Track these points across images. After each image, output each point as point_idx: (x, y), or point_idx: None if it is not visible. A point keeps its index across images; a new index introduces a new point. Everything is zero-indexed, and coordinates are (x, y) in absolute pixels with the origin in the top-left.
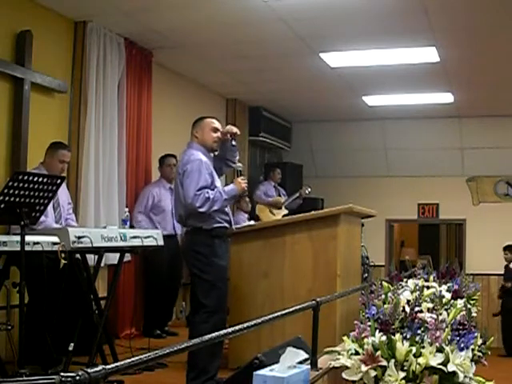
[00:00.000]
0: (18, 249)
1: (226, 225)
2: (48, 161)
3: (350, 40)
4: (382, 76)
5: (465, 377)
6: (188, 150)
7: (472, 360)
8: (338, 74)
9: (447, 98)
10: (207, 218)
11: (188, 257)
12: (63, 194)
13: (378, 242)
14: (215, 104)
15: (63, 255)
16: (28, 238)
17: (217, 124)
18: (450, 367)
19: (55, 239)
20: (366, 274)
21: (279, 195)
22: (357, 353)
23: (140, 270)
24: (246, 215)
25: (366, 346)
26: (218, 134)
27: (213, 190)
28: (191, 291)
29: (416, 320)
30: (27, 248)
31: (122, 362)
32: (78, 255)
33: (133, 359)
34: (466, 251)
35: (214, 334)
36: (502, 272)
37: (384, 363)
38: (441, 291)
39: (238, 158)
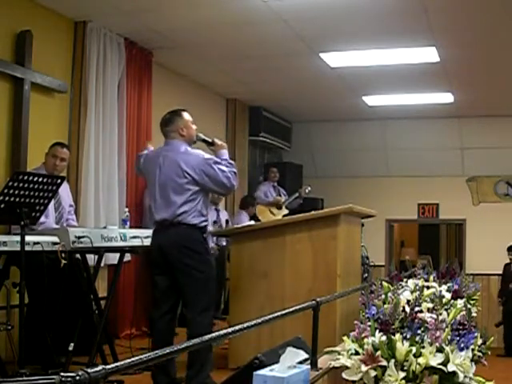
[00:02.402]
0: (18, 249)
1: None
2: (46, 159)
3: (350, 40)
4: (382, 76)
5: (465, 377)
6: (184, 149)
7: (472, 360)
8: (338, 74)
9: (447, 97)
10: (200, 215)
11: (180, 254)
12: (65, 195)
13: (378, 242)
14: (215, 104)
15: (63, 255)
16: (28, 238)
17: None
18: (450, 367)
19: (55, 239)
20: (366, 274)
21: (279, 195)
22: (357, 353)
23: (142, 269)
24: (248, 216)
25: (366, 346)
26: (194, 125)
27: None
28: (183, 289)
29: (416, 320)
30: (27, 248)
31: (122, 362)
32: (77, 255)
33: (133, 359)
34: (466, 251)
35: (214, 334)
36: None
37: (384, 363)
38: (441, 291)
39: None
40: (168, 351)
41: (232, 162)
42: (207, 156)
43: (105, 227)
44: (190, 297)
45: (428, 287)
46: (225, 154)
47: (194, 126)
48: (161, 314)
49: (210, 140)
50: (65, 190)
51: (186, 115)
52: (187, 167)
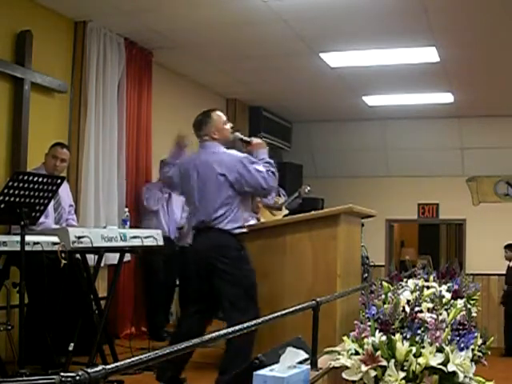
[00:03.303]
0: (18, 249)
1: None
2: (45, 159)
3: (350, 40)
4: (382, 76)
5: (465, 377)
6: (219, 149)
7: (472, 360)
8: (338, 74)
9: (447, 97)
10: (235, 221)
11: (214, 259)
12: (65, 195)
13: (378, 241)
14: (215, 104)
15: (63, 255)
16: (28, 238)
17: (223, 115)
18: (450, 367)
19: (55, 239)
20: (366, 274)
21: (279, 195)
22: (357, 353)
23: (138, 272)
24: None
25: (366, 346)
26: (229, 123)
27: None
28: (220, 295)
29: (416, 320)
30: (27, 248)
31: (122, 362)
32: (77, 255)
33: (133, 359)
34: (466, 251)
35: (214, 334)
36: (503, 272)
37: (384, 363)
38: (441, 291)
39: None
40: (168, 351)
41: (270, 161)
42: (242, 155)
43: (105, 227)
44: (227, 304)
45: (428, 287)
46: (263, 153)
47: (227, 126)
48: (189, 313)
49: (247, 140)
50: (64, 190)
51: (217, 116)
52: (221, 168)
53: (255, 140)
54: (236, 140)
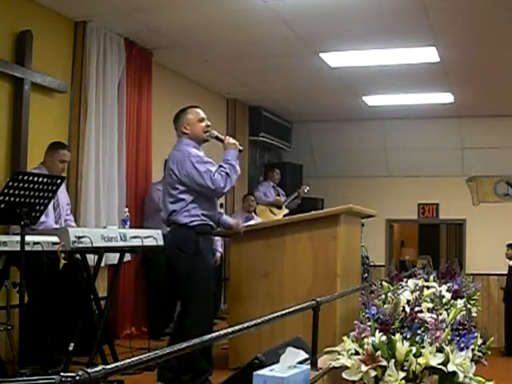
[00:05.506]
0: (18, 249)
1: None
2: (48, 161)
3: (350, 40)
4: (381, 76)
5: (465, 377)
6: (180, 147)
7: (472, 360)
8: (338, 74)
9: (447, 98)
10: (190, 215)
11: (172, 254)
12: (62, 194)
13: (378, 241)
14: (215, 104)
15: (63, 255)
16: (28, 238)
17: (201, 113)
18: (450, 367)
19: (55, 239)
20: (366, 274)
21: (278, 195)
22: (357, 353)
23: (140, 271)
24: (249, 214)
25: (366, 346)
26: (206, 121)
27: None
28: (181, 291)
29: (416, 320)
30: (27, 248)
31: (122, 362)
32: (78, 255)
33: (133, 359)
34: (465, 251)
35: (214, 334)
36: (503, 272)
37: (384, 363)
38: (441, 291)
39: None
40: (168, 351)
41: (233, 163)
42: (193, 153)
43: (105, 227)
44: (183, 297)
45: (428, 287)
46: (230, 153)
47: (203, 123)
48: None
49: (221, 137)
50: (61, 190)
51: (193, 112)
52: (172, 165)
53: (228, 139)
54: (212, 137)
